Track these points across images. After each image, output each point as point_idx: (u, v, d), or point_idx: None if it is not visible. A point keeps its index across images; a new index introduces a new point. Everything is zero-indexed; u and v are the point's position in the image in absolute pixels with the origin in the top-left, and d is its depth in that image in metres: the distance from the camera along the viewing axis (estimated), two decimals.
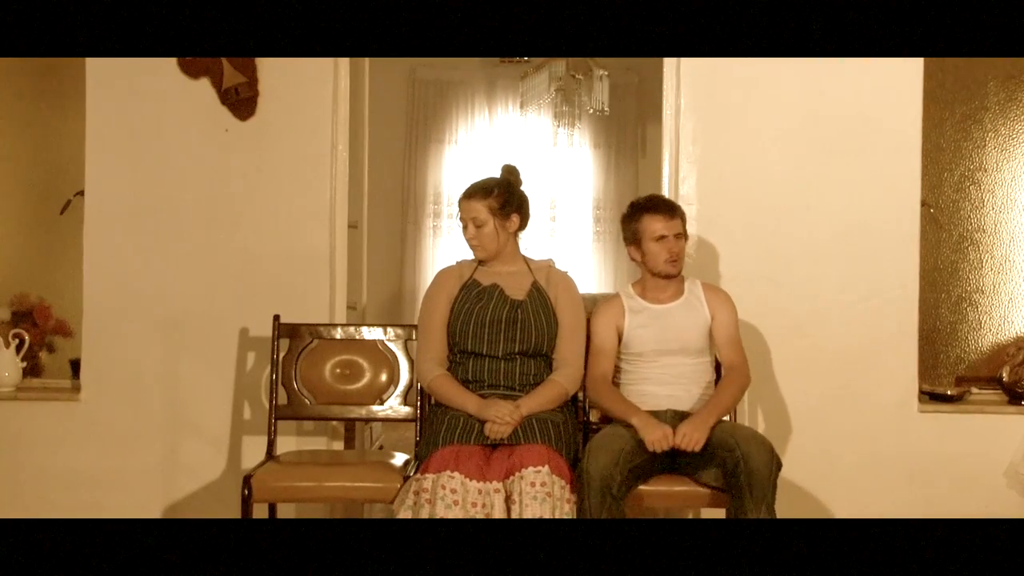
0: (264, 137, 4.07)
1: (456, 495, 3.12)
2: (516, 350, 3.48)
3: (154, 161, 4.08)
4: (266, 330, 3.90)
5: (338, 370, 3.86)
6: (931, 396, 4.12)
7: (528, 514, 3.10)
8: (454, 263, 3.70)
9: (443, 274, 3.67)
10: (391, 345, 3.88)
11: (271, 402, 3.82)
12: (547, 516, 3.10)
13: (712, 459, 3.25)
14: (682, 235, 3.54)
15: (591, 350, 3.56)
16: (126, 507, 4.03)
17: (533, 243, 4.89)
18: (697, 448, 3.24)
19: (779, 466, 3.19)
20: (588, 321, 3.61)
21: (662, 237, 3.51)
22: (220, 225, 4.08)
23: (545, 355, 3.53)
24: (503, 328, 3.48)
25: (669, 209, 3.54)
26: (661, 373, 3.50)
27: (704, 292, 3.60)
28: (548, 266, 3.64)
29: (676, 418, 3.43)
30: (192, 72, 4.06)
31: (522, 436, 3.30)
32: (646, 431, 3.26)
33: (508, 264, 3.59)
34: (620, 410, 3.37)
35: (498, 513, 3.15)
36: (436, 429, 3.38)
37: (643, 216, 3.53)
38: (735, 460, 3.16)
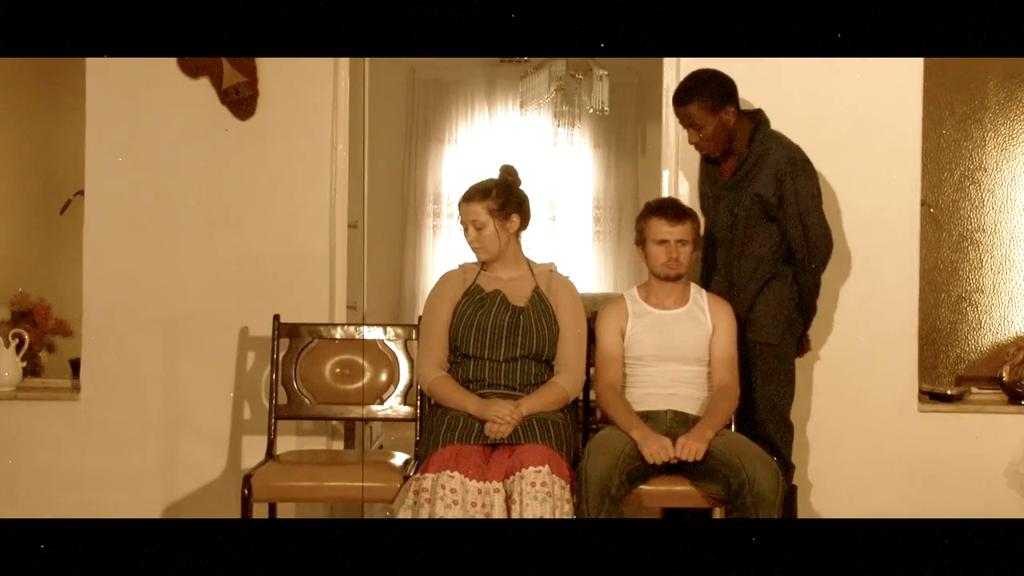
0: (264, 137, 4.07)
1: (456, 495, 3.12)
2: (517, 355, 3.48)
3: (154, 161, 4.08)
4: (266, 330, 3.90)
5: (338, 370, 3.86)
6: (931, 396, 4.12)
7: (528, 514, 3.10)
8: (457, 267, 3.70)
9: (446, 278, 3.67)
10: (391, 345, 3.88)
11: (271, 402, 3.83)
12: (547, 516, 3.10)
13: (715, 474, 3.24)
14: (687, 242, 3.53)
15: (599, 357, 3.57)
16: (126, 507, 4.02)
17: (533, 243, 4.89)
18: (698, 457, 3.24)
19: (784, 487, 3.20)
20: (590, 324, 3.62)
21: (663, 241, 3.51)
22: (220, 225, 4.08)
23: (546, 360, 3.54)
24: (504, 334, 3.48)
25: (676, 214, 3.53)
26: (660, 377, 3.51)
27: (708, 303, 3.59)
28: (550, 270, 3.64)
29: (676, 418, 3.43)
30: (192, 72, 4.06)
31: (522, 436, 3.30)
32: (644, 444, 3.26)
33: (510, 268, 3.59)
34: (623, 422, 3.38)
35: (498, 513, 3.14)
36: (436, 429, 3.37)
37: (650, 218, 3.54)
38: (740, 481, 3.16)
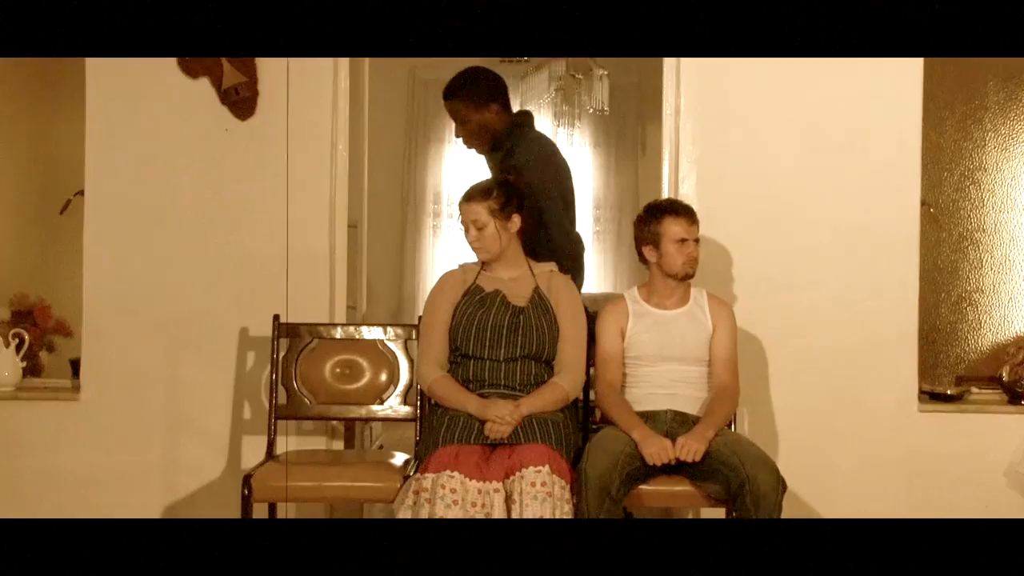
0: (264, 137, 4.07)
1: (456, 495, 3.12)
2: (517, 355, 3.48)
3: (154, 161, 4.08)
4: (266, 330, 3.90)
5: (338, 370, 3.86)
6: (931, 396, 4.12)
7: (528, 514, 3.10)
8: (457, 267, 3.70)
9: (446, 277, 3.67)
10: (391, 345, 3.88)
11: (271, 402, 3.83)
12: (547, 516, 3.10)
13: (714, 474, 3.25)
14: (699, 240, 3.55)
15: (598, 358, 3.57)
16: (126, 507, 4.02)
17: None
18: (697, 458, 3.25)
19: (784, 488, 3.20)
20: (590, 324, 3.61)
21: (683, 240, 3.51)
22: (220, 225, 4.08)
23: (546, 360, 3.53)
24: (504, 334, 3.48)
25: (691, 214, 3.55)
26: (660, 377, 3.51)
27: (709, 303, 3.59)
28: (550, 271, 3.64)
29: (676, 418, 3.44)
30: (192, 72, 4.06)
31: (522, 436, 3.30)
32: (644, 445, 3.26)
33: (511, 268, 3.59)
34: (624, 422, 3.38)
35: (498, 513, 3.15)
36: (436, 429, 3.38)
37: (665, 218, 3.53)
38: (740, 481, 3.17)
